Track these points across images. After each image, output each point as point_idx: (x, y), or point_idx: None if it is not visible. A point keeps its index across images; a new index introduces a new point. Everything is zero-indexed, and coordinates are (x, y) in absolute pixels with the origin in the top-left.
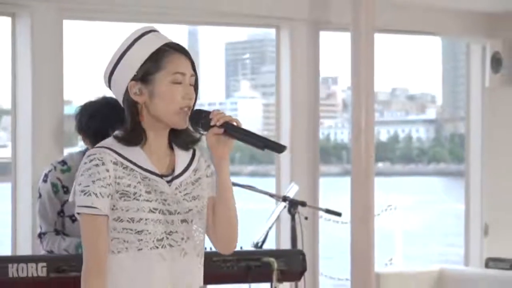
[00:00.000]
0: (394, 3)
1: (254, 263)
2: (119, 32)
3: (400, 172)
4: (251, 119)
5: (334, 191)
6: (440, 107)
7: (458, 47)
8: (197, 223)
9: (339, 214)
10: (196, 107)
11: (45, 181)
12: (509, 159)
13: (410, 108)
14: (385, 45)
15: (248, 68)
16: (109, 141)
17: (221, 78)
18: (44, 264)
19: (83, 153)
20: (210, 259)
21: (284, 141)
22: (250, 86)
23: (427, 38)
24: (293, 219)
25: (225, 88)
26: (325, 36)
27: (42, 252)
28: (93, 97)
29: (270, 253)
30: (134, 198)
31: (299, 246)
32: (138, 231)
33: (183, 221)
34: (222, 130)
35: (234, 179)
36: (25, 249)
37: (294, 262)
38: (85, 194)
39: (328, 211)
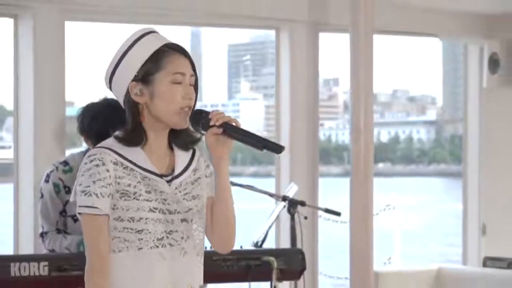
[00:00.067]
0: (392, 4)
1: (254, 262)
2: (120, 34)
3: (401, 173)
4: (253, 120)
5: (335, 191)
6: (440, 109)
7: (458, 49)
8: (197, 223)
9: (338, 214)
10: (198, 108)
11: (47, 181)
12: (507, 159)
13: (411, 109)
14: (386, 47)
15: (250, 69)
16: (110, 142)
17: (223, 80)
18: (46, 263)
19: (84, 153)
20: (210, 258)
21: (283, 141)
22: (252, 88)
23: (426, 39)
24: (292, 218)
25: (227, 89)
26: (326, 38)
27: (44, 251)
28: (94, 99)
29: (270, 252)
30: (134, 198)
31: (299, 245)
32: (138, 231)
33: (183, 220)
34: (221, 130)
35: (235, 179)
36: (27, 249)
37: (294, 261)
38: (85, 194)
39: (327, 211)
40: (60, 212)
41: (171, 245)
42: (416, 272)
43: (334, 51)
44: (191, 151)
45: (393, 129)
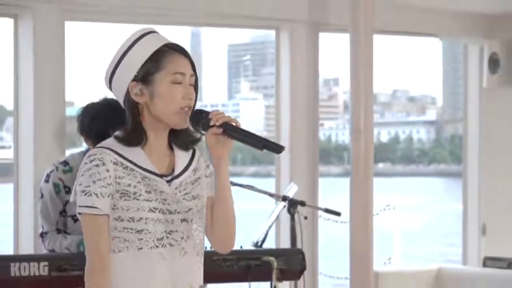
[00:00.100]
0: (392, 4)
1: (254, 262)
2: (120, 34)
3: (401, 173)
4: (253, 121)
5: (335, 191)
6: (440, 109)
7: (458, 49)
8: (197, 223)
9: (338, 214)
10: (198, 108)
11: (47, 181)
12: (507, 159)
13: (411, 109)
14: (386, 47)
15: (250, 69)
16: (110, 142)
17: (224, 80)
18: (46, 263)
19: (84, 153)
20: (210, 258)
21: (283, 141)
22: (252, 88)
23: (426, 39)
24: (292, 218)
25: (227, 89)
26: (326, 38)
27: (44, 251)
28: (95, 99)
29: (270, 252)
30: (134, 198)
31: (299, 245)
32: (138, 231)
33: (183, 220)
34: (221, 130)
35: (236, 179)
36: (27, 249)
37: (294, 261)
38: (85, 194)
39: (327, 211)
40: (60, 212)
41: (171, 245)
42: (416, 272)
43: (334, 51)
44: (191, 151)
45: (393, 129)
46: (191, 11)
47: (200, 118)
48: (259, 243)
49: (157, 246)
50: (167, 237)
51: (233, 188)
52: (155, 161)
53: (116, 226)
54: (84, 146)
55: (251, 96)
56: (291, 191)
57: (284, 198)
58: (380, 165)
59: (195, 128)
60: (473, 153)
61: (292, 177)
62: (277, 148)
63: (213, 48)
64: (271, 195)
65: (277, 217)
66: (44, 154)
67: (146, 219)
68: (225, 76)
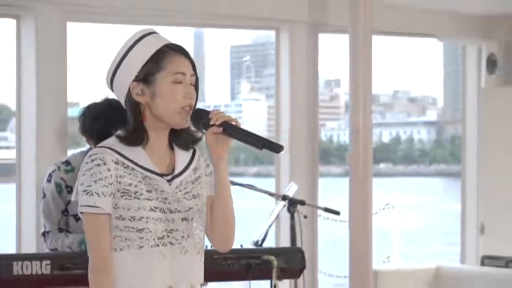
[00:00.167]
0: (391, 5)
1: (254, 261)
2: (121, 34)
3: (402, 173)
4: (255, 121)
5: (336, 191)
6: (441, 109)
7: (459, 50)
8: (197, 221)
9: (337, 213)
10: (198, 108)
11: (49, 181)
12: (505, 158)
13: (412, 110)
14: (387, 48)
15: (253, 70)
16: (111, 141)
17: (226, 81)
18: (48, 261)
19: (86, 153)
20: (210, 257)
21: (283, 141)
22: (254, 89)
23: (427, 40)
24: (292, 217)
25: (230, 90)
26: (328, 39)
27: (46, 251)
28: (96, 99)
29: (270, 251)
30: (135, 197)
31: (298, 244)
32: (139, 229)
33: (183, 219)
34: (221, 130)
35: (238, 179)
36: (29, 248)
37: (294, 260)
38: (87, 193)
39: (326, 210)
40: (62, 212)
41: (171, 243)
42: (415, 271)
43: (335, 52)
44: (191, 151)
45: (394, 129)
46: (191, 12)
47: (200, 117)
48: (259, 242)
49: (158, 245)
50: (168, 236)
51: (233, 187)
52: (156, 161)
53: (117, 225)
54: (86, 146)
55: (253, 97)
56: (291, 190)
57: (284, 198)
58: (382, 165)
59: (195, 127)
60: (472, 152)
61: (292, 176)
62: (276, 148)
63: (215, 50)
64: (271, 194)
65: (277, 216)
66: (46, 154)
67: (147, 218)
68: (227, 77)
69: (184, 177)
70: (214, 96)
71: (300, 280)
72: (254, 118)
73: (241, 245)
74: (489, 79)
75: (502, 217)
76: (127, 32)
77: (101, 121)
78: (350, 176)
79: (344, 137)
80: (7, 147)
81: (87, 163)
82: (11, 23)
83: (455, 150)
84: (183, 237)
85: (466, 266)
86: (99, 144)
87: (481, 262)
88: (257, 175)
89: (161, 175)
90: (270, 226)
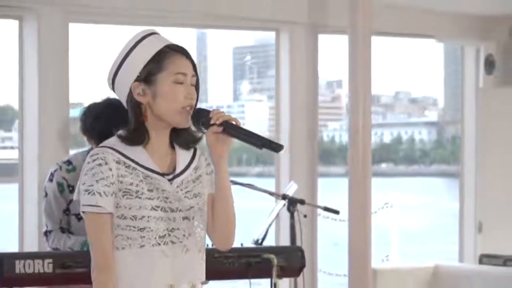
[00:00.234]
0: (390, 6)
1: (254, 259)
2: (123, 35)
3: (403, 173)
4: (257, 121)
5: (338, 191)
6: (441, 110)
7: (459, 51)
8: (198, 220)
9: (337, 212)
10: (199, 107)
11: (51, 180)
12: (503, 158)
13: (413, 110)
14: (388, 49)
15: (255, 72)
16: (112, 141)
17: (229, 82)
18: (50, 260)
19: (87, 153)
20: (211, 255)
21: (283, 141)
22: (257, 89)
23: (425, 41)
24: (292, 216)
25: (233, 91)
26: (329, 41)
27: (48, 249)
28: (97, 99)
29: (270, 249)
30: (137, 196)
31: (298, 243)
32: (140, 228)
33: (184, 218)
34: (221, 129)
35: (241, 179)
36: (31, 246)
37: (293, 259)
38: (89, 193)
39: (326, 209)
40: (64, 211)
41: (173, 242)
42: (414, 269)
43: (337, 53)
44: (192, 150)
45: (395, 130)
46: (191, 12)
47: (201, 117)
48: (260, 241)
49: (159, 244)
50: (169, 235)
51: (233, 187)
52: (157, 160)
53: (119, 224)
54: (88, 146)
55: (255, 98)
56: (291, 189)
57: (284, 197)
58: (383, 165)
59: (196, 127)
60: (470, 152)
61: (292, 176)
62: (276, 147)
63: (218, 51)
64: (271, 193)
65: (277, 215)
66: (49, 154)
67: (148, 217)
68: (230, 78)
69: (185, 176)
70: (216, 96)
71: (300, 279)
72: (256, 119)
73: (242, 244)
74: (487, 80)
75: (500, 216)
76: (128, 32)
77: (102, 121)
78: (350, 176)
79: (345, 137)
80: (12, 147)
81: (88, 163)
82: (13, 24)
83: (455, 150)
84: (184, 235)
85: (464, 265)
86: (101, 144)
87: (479, 261)
88: (260, 175)
89: (162, 175)
90: (270, 225)
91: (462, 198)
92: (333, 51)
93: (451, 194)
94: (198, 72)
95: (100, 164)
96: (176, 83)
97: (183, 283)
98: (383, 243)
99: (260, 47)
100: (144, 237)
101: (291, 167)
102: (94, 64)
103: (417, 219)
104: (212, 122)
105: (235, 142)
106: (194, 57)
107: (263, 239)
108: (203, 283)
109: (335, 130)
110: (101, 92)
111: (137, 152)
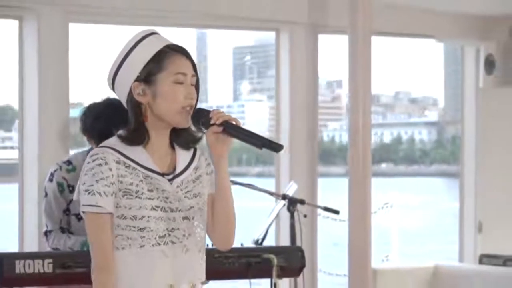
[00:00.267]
0: (390, 6)
1: (254, 259)
2: (122, 35)
3: (403, 173)
4: (258, 122)
5: (339, 191)
6: (442, 110)
7: (459, 51)
8: (198, 220)
9: (337, 212)
10: (199, 107)
11: (51, 180)
12: (503, 158)
13: (413, 110)
14: (388, 49)
15: (255, 72)
16: (112, 141)
17: (229, 82)
18: (50, 260)
19: (87, 153)
20: (211, 255)
21: (283, 141)
22: (257, 90)
23: (425, 41)
24: (292, 216)
25: (233, 91)
26: (330, 41)
27: (48, 249)
28: (97, 99)
29: (270, 249)
30: (137, 196)
31: (298, 243)
32: (140, 228)
33: (184, 218)
34: (221, 129)
35: (241, 179)
36: (31, 246)
37: (293, 259)
38: (89, 193)
39: (326, 209)
40: (64, 211)
41: (173, 242)
42: (414, 269)
43: (337, 53)
44: (192, 150)
45: (395, 130)
46: (191, 12)
47: (201, 117)
48: (260, 241)
49: (159, 244)
50: (169, 235)
51: (233, 187)
52: (157, 160)
53: (119, 224)
54: (88, 146)
55: (256, 98)
56: (291, 189)
57: (284, 197)
58: (383, 165)
59: (196, 127)
60: (470, 152)
61: (292, 176)
62: (276, 147)
63: (218, 51)
64: (271, 193)
65: (277, 215)
66: (49, 154)
67: (148, 217)
68: (230, 78)
69: (185, 176)
70: (216, 96)
71: (300, 279)
72: (257, 119)
73: (242, 244)
74: (487, 80)
75: (500, 216)
76: (128, 32)
77: (102, 121)
78: (349, 176)
79: (346, 137)
80: (12, 147)
81: (88, 163)
82: (13, 24)
83: (455, 150)
84: (184, 235)
85: (464, 265)
86: (101, 144)
87: (479, 261)
88: (260, 175)
89: (162, 175)
90: (270, 225)
91: (462, 198)
92: (333, 51)
93: (451, 194)
94: (198, 72)
95: (100, 164)
96: (176, 83)
97: (183, 283)
98: (383, 243)
99: (260, 47)
100: (144, 237)
101: (291, 167)
102: (94, 64)
103: (417, 219)
104: (212, 122)
105: (235, 142)
106: (194, 57)
107: (263, 239)
108: (203, 283)
109: (335, 130)
110: (101, 92)
111: (137, 152)
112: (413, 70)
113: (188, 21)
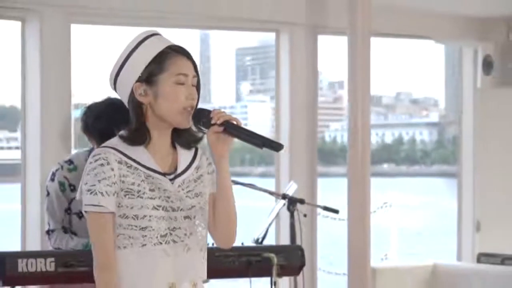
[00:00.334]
0: (388, 8)
1: (254, 258)
2: (124, 36)
3: (405, 173)
4: (260, 122)
5: (340, 191)
6: (442, 111)
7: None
8: (199, 219)
9: (336, 211)
10: (199, 107)
11: (52, 179)
12: (501, 157)
13: (414, 111)
14: (390, 51)
15: (258, 72)
16: (114, 141)
17: (232, 82)
18: (53, 259)
19: (88, 152)
20: (212, 254)
21: (283, 141)
22: (260, 90)
23: (424, 42)
24: (292, 216)
25: (235, 92)
26: (327, 41)
27: (50, 248)
28: (98, 98)
29: (270, 248)
30: (138, 196)
31: (298, 242)
32: (142, 228)
33: (186, 217)
34: (222, 129)
35: (244, 179)
36: (34, 245)
37: (293, 257)
38: (91, 193)
39: (325, 208)
40: (65, 210)
41: (174, 241)
42: (412, 268)
43: (339, 54)
44: (193, 150)
45: (396, 130)
46: (192, 14)
47: (202, 117)
48: (260, 240)
49: (161, 243)
50: (171, 234)
51: (234, 186)
52: (159, 160)
53: (121, 223)
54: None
55: (258, 99)
56: (291, 189)
57: (284, 196)
58: (384, 166)
59: (197, 127)
60: (468, 151)
61: (292, 176)
62: (276, 146)
63: (221, 52)
64: (271, 193)
65: (277, 215)
66: (51, 154)
67: (149, 216)
68: (233, 79)
69: (187, 176)
70: (219, 97)
71: (299, 277)
72: (259, 119)
73: (242, 243)
74: (485, 80)
75: (498, 215)
76: (130, 34)
77: (103, 120)
78: (349, 176)
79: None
80: (17, 148)
81: (91, 163)
82: (16, 25)
83: (456, 151)
84: (185, 234)
85: (462, 264)
86: (103, 144)
87: (477, 260)
88: (263, 175)
89: (164, 174)
90: (270, 224)
91: (460, 198)
92: (335, 52)
93: (452, 194)
94: (199, 72)
95: (102, 164)
96: (177, 84)
97: (185, 281)
98: (383, 242)
99: (262, 48)
100: (145, 236)
101: (291, 167)
102: (96, 65)
103: (418, 219)
104: (213, 122)
105: (238, 142)
106: (197, 58)
107: (263, 238)
108: (204, 281)
109: (337, 131)
110: (103, 92)
111: (138, 152)
112: (414, 71)
113: (188, 22)
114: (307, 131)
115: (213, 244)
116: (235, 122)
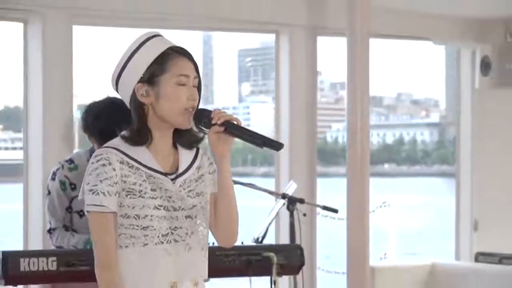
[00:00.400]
0: (387, 9)
1: (254, 257)
2: (125, 37)
3: (405, 173)
4: (263, 123)
5: (340, 190)
6: (443, 111)
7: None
8: (201, 219)
9: (335, 211)
10: (200, 107)
11: (53, 179)
12: (499, 157)
13: (415, 112)
14: (390, 52)
15: (260, 73)
16: (116, 141)
17: (234, 83)
18: (54, 258)
19: (89, 151)
20: (213, 253)
21: (283, 141)
22: (262, 91)
23: (424, 43)
24: (291, 215)
25: (238, 93)
26: (327, 42)
27: (52, 247)
28: (98, 98)
29: (270, 248)
30: (140, 196)
31: (298, 241)
32: (143, 227)
33: (187, 217)
34: (222, 129)
35: (245, 179)
36: (36, 245)
37: (293, 257)
38: (93, 193)
39: (325, 208)
40: (66, 208)
41: (176, 241)
42: (411, 267)
43: (340, 56)
44: (194, 150)
45: (397, 131)
46: (192, 15)
47: (203, 117)
48: (260, 239)
49: (162, 242)
50: (172, 233)
51: (234, 186)
52: (160, 160)
53: (122, 223)
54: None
55: (260, 99)
56: (291, 189)
57: (284, 196)
58: (385, 166)
59: (198, 127)
60: (466, 151)
61: (292, 175)
62: (276, 145)
63: (224, 53)
64: (271, 192)
65: (277, 214)
66: (53, 154)
67: (151, 216)
68: (235, 80)
69: (188, 176)
70: (222, 98)
71: (299, 276)
72: (261, 120)
73: (242, 242)
74: (483, 81)
75: (495, 214)
76: (131, 35)
77: (103, 120)
78: (348, 176)
79: None
80: (21, 148)
81: (93, 163)
82: (18, 27)
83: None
84: (187, 234)
85: (460, 263)
86: (105, 145)
87: (475, 259)
88: (265, 175)
89: (165, 174)
90: (270, 224)
91: (458, 197)
92: (336, 53)
93: (452, 194)
94: (200, 73)
95: (104, 165)
96: (178, 85)
97: (186, 280)
98: (382, 241)
99: (264, 50)
100: (147, 235)
101: (291, 166)
102: (98, 66)
103: (418, 219)
104: (213, 122)
105: (240, 143)
106: (200, 59)
107: (263, 237)
108: (205, 280)
109: (339, 131)
110: (105, 93)
111: (140, 152)
112: (415, 72)
113: (188, 23)
114: (306, 131)
115: (213, 243)
116: (235, 122)
